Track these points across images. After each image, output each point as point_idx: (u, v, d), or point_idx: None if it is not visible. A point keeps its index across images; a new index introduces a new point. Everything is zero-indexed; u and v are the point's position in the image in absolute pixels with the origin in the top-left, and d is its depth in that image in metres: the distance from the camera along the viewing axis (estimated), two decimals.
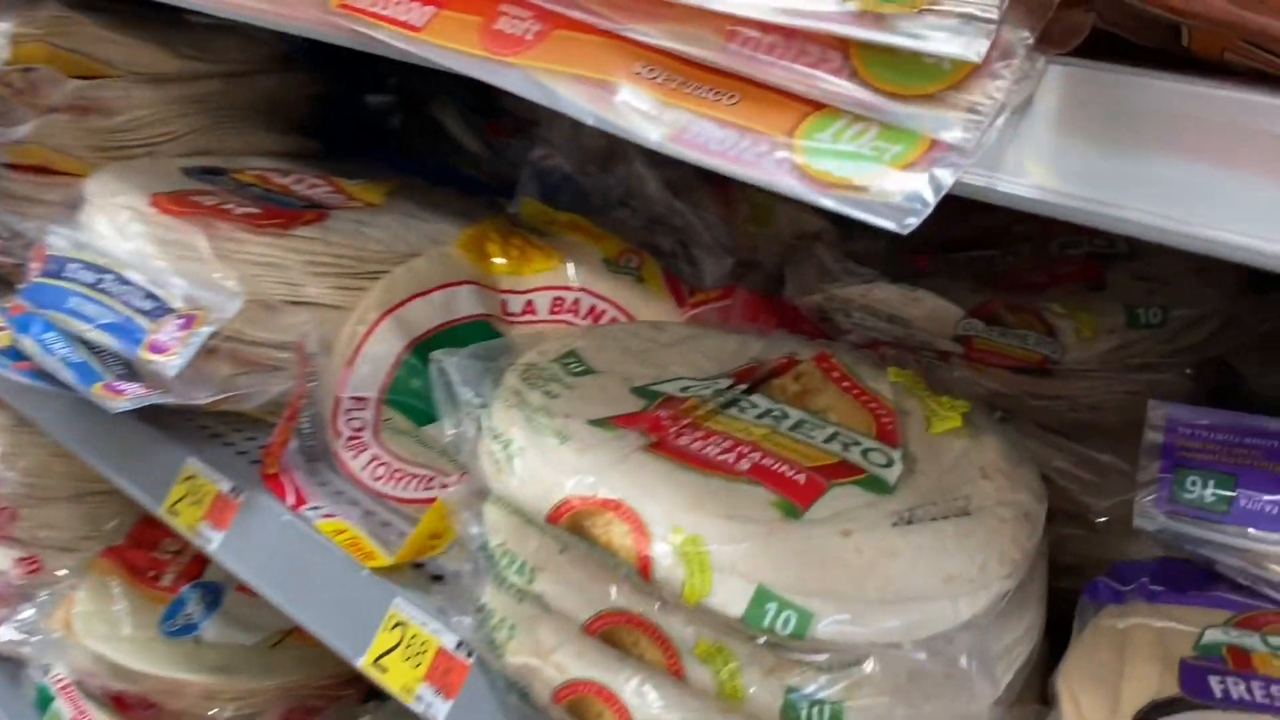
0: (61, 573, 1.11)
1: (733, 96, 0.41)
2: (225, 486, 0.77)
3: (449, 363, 0.61)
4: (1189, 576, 0.57)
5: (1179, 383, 0.69)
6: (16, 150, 0.99)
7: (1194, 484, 0.55)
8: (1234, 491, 0.54)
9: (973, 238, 0.83)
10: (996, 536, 0.51)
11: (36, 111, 0.98)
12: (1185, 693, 0.48)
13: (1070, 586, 0.65)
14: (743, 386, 0.60)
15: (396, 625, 0.65)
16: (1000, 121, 0.36)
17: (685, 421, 0.56)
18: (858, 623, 0.46)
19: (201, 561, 1.04)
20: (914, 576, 0.48)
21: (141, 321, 0.77)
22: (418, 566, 0.69)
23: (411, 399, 0.78)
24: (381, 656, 0.64)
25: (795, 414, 0.58)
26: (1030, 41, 0.36)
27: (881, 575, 0.48)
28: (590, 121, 0.43)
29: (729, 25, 0.41)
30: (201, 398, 0.77)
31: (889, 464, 0.55)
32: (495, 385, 0.60)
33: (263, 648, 0.98)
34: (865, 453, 0.55)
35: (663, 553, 0.48)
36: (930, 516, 0.51)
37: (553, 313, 0.84)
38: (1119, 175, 0.35)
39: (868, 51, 0.38)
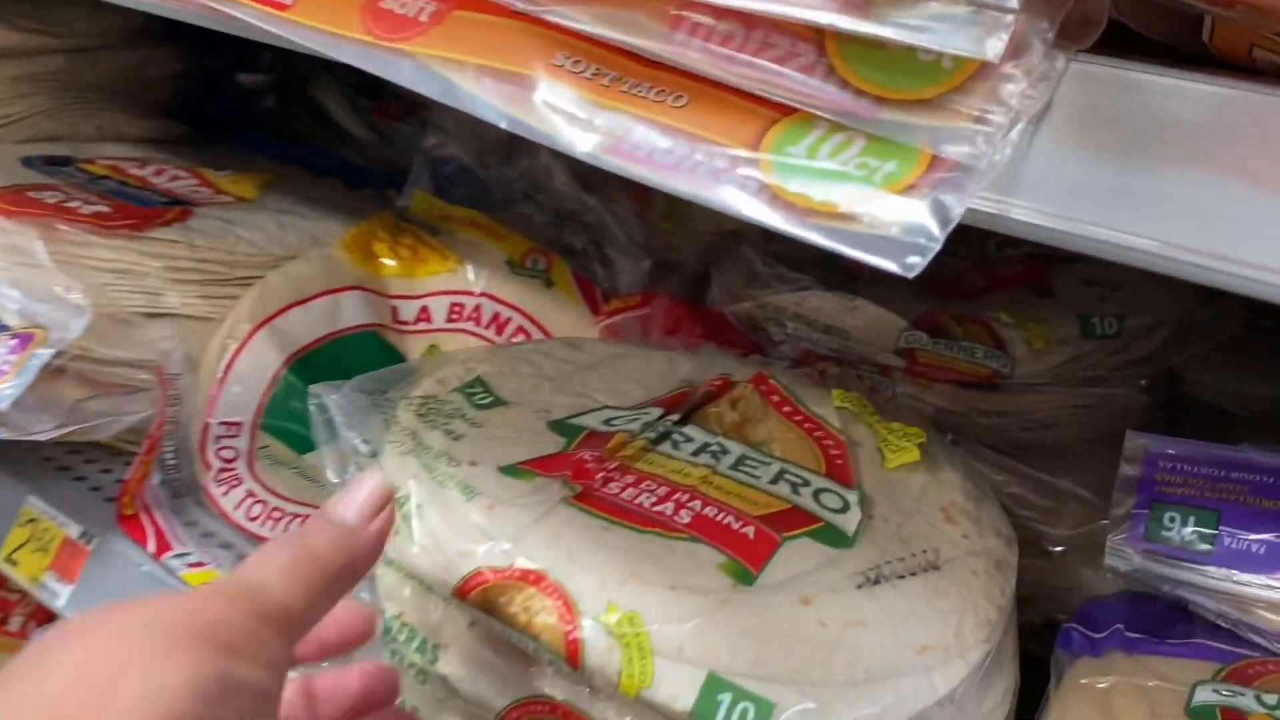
0: None
1: (680, 97, 0.33)
2: (74, 531, 0.67)
3: (329, 398, 0.52)
4: (1163, 618, 0.52)
5: (1133, 396, 0.65)
6: None
7: (1173, 521, 0.50)
8: (1217, 529, 0.49)
9: None
10: (970, 594, 0.45)
11: None
12: None
13: (1026, 619, 0.60)
14: (674, 417, 0.53)
15: None
16: (1015, 134, 0.30)
17: (612, 464, 0.48)
18: (825, 712, 0.40)
19: None
20: (885, 650, 0.42)
21: None
22: None
23: (292, 423, 0.69)
24: None
25: (735, 448, 0.52)
26: (1050, 35, 0.30)
27: (849, 651, 0.41)
28: (504, 125, 0.35)
29: (674, 8, 0.33)
30: (44, 429, 0.67)
31: (845, 508, 0.48)
32: (386, 424, 0.51)
33: None
34: (817, 495, 0.49)
35: (594, 636, 0.41)
36: (897, 574, 0.45)
37: (450, 320, 0.75)
38: (1161, 200, 0.29)
39: (847, 45, 0.31)
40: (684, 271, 0.80)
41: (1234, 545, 0.49)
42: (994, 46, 0.28)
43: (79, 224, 0.71)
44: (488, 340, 0.74)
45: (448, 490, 0.46)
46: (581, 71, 0.34)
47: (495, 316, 0.74)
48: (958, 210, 0.29)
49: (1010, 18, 0.28)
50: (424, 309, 0.76)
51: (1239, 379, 0.72)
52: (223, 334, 0.71)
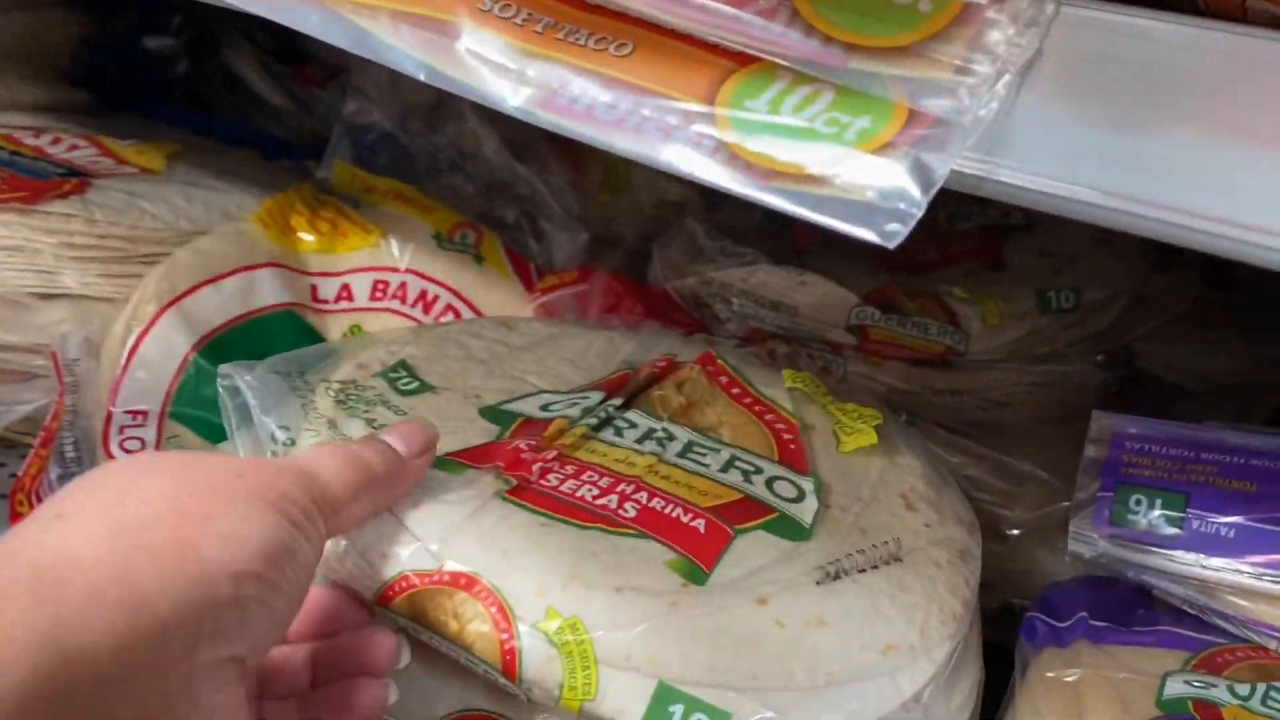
0: None
1: (624, 45, 0.29)
2: None
3: (242, 380, 0.48)
4: (1127, 604, 0.50)
5: (1089, 372, 0.63)
6: None
7: (1139, 504, 0.48)
8: (1185, 513, 0.47)
9: None
10: (934, 587, 0.42)
11: None
12: None
13: (984, 604, 0.57)
14: (616, 401, 0.49)
15: None
16: (1001, 86, 0.26)
17: (550, 454, 0.45)
18: (791, 718, 0.37)
19: None
20: (847, 652, 0.39)
21: None
22: None
23: (203, 410, 0.64)
24: None
25: (682, 434, 0.48)
26: None
27: (809, 654, 0.38)
28: (422, 77, 0.31)
29: None
30: None
31: (800, 497, 0.45)
32: (304, 410, 0.47)
33: None
34: (771, 483, 0.46)
35: (533, 644, 0.37)
36: (858, 568, 0.42)
37: (373, 299, 0.70)
38: (1165, 161, 0.26)
39: None
40: (624, 246, 0.76)
41: (1202, 529, 0.46)
42: None
43: None
44: (414, 320, 0.69)
45: None
46: (511, 17, 0.30)
47: (422, 294, 0.70)
48: (941, 171, 0.25)
49: None
50: (345, 287, 0.71)
51: (1191, 353, 0.71)
52: (126, 316, 0.65)
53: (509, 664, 0.37)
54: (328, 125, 0.85)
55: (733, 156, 0.26)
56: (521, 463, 0.44)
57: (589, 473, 0.44)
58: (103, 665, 0.27)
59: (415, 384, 0.49)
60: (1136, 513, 0.48)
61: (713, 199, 0.77)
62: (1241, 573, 0.46)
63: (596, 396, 0.49)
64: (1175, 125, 0.26)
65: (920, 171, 0.25)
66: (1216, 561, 0.46)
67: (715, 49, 0.28)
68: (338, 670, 0.38)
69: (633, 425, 0.48)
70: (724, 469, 0.46)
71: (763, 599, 0.39)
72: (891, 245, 0.24)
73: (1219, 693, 0.44)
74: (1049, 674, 0.46)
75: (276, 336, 0.68)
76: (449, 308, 0.69)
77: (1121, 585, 0.52)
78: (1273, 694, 0.43)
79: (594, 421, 0.47)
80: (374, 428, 0.45)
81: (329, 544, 0.39)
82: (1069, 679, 0.45)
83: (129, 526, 0.30)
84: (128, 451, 0.62)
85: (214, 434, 0.64)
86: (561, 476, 0.43)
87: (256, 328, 0.68)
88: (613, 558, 0.40)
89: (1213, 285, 0.73)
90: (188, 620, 0.29)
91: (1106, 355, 0.63)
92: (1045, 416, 0.62)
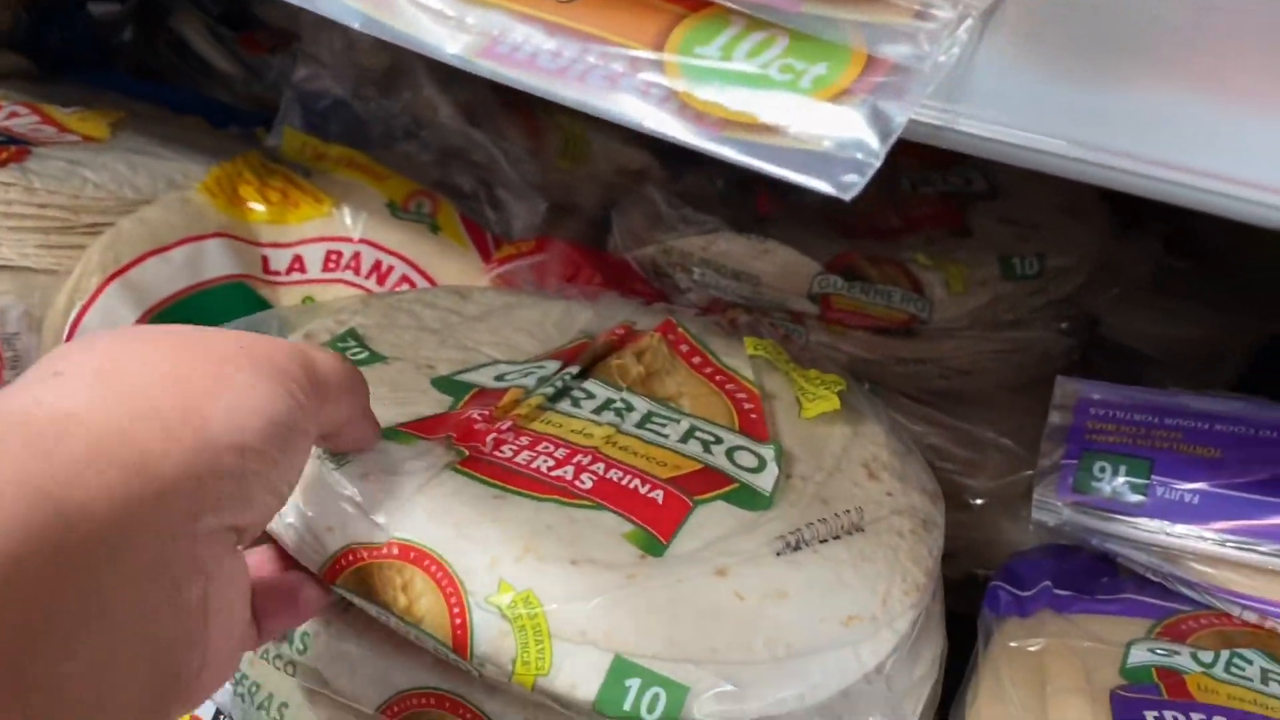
0: None
1: None
2: None
3: None
4: (1091, 572, 0.50)
5: (1053, 339, 0.62)
6: None
7: (1103, 471, 0.47)
8: (1149, 479, 0.46)
9: None
10: (897, 557, 0.41)
11: None
12: None
13: (947, 574, 0.57)
14: (573, 370, 0.48)
15: None
16: (963, 31, 0.25)
17: (504, 424, 0.43)
18: (746, 694, 0.35)
19: None
20: (809, 624, 0.38)
21: None
22: None
23: None
24: None
25: (641, 404, 0.47)
26: None
27: (770, 625, 0.37)
28: (357, 26, 0.29)
29: None
30: None
31: (760, 467, 0.44)
32: None
33: None
34: (731, 453, 0.44)
35: (484, 619, 0.36)
36: (819, 538, 0.41)
37: (326, 270, 0.68)
38: (1136, 108, 0.25)
39: None
40: (584, 215, 0.74)
41: (1167, 495, 0.46)
42: None
43: None
44: (368, 291, 0.67)
45: (314, 458, 0.40)
46: None
47: (376, 265, 0.68)
48: (900, 120, 0.24)
49: None
50: (297, 258, 0.69)
51: (1154, 321, 0.70)
52: (69, 288, 0.63)
53: (460, 639, 0.36)
54: (278, 92, 0.83)
55: (682, 106, 0.25)
56: (474, 433, 0.42)
57: (544, 444, 0.43)
58: (99, 524, 0.26)
59: (365, 354, 0.48)
60: (1101, 479, 0.47)
61: (674, 167, 0.75)
62: (1205, 539, 0.45)
63: (553, 366, 0.48)
64: (1144, 74, 0.25)
65: (878, 120, 0.24)
66: (1180, 528, 0.46)
67: None
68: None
69: (590, 395, 0.47)
70: (683, 439, 0.45)
71: (722, 570, 0.38)
72: (848, 197, 0.23)
73: (1183, 660, 0.43)
74: (1012, 644, 0.45)
75: (226, 309, 0.66)
76: (404, 278, 0.68)
77: (1086, 553, 0.51)
78: (1236, 661, 0.43)
79: (550, 391, 0.46)
80: None
81: (275, 518, 0.37)
82: (1032, 649, 0.45)
83: (132, 388, 0.29)
84: None
85: None
86: (516, 448, 0.42)
87: (205, 300, 0.66)
88: (568, 530, 0.38)
89: (1177, 253, 0.72)
90: (188, 487, 0.28)
91: (1070, 322, 0.62)
92: (1009, 384, 0.61)
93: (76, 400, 0.28)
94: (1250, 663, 0.43)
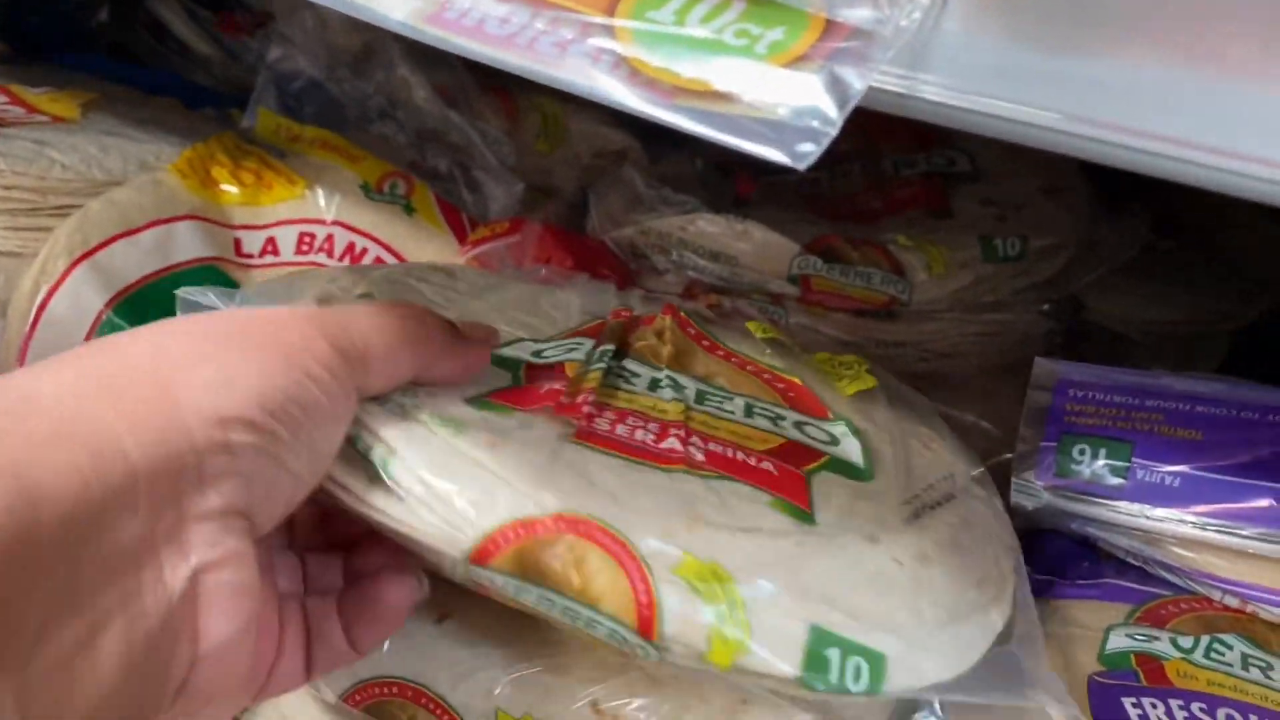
0: None
1: None
2: None
3: (206, 300, 0.42)
4: (1070, 556, 0.49)
5: (1034, 321, 0.61)
6: None
7: (1083, 454, 0.46)
8: (1129, 462, 0.46)
9: None
10: (991, 521, 0.41)
11: None
12: None
13: None
14: (607, 349, 0.44)
15: None
16: None
17: (587, 398, 0.39)
18: (927, 660, 0.34)
19: None
20: (955, 588, 0.36)
21: None
22: None
23: None
24: None
25: (689, 382, 0.44)
26: None
27: (929, 591, 0.35)
28: None
29: None
30: None
31: (834, 441, 0.42)
32: None
33: None
34: (801, 427, 0.43)
35: (673, 596, 0.32)
36: (929, 505, 0.40)
37: (299, 252, 0.67)
38: (1099, 73, 0.24)
39: None
40: (562, 197, 0.73)
41: (1147, 478, 0.45)
42: None
43: None
44: None
45: (423, 425, 0.35)
46: None
47: (350, 247, 0.67)
48: (858, 86, 0.23)
49: None
50: (270, 240, 0.68)
51: (1138, 304, 0.70)
52: (35, 271, 0.62)
53: (646, 619, 0.32)
54: (255, 74, 0.82)
55: (633, 72, 0.24)
56: (567, 406, 0.38)
57: (631, 418, 0.39)
58: (68, 506, 0.25)
59: None
60: (1080, 462, 0.46)
61: (653, 148, 0.74)
62: (1186, 523, 0.44)
63: (587, 343, 0.44)
64: (1111, 41, 0.24)
65: (836, 87, 0.23)
66: (1161, 512, 0.45)
67: None
68: (369, 567, 0.36)
69: (636, 374, 0.43)
70: (748, 415, 0.42)
71: (873, 538, 0.36)
72: (802, 166, 0.22)
73: (1162, 645, 0.43)
74: None
75: None
76: (377, 260, 0.67)
77: (1066, 537, 0.51)
78: (1215, 646, 0.42)
79: (602, 366, 0.42)
80: None
81: (381, 504, 0.34)
82: None
83: (102, 369, 0.28)
84: None
85: None
86: (611, 421, 0.38)
87: (175, 283, 0.64)
88: (716, 499, 0.35)
89: (1161, 235, 0.71)
90: (160, 466, 0.26)
91: (1052, 304, 0.61)
92: (990, 367, 0.61)
93: (42, 384, 0.27)
94: (1230, 648, 0.42)
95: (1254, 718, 0.39)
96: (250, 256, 0.68)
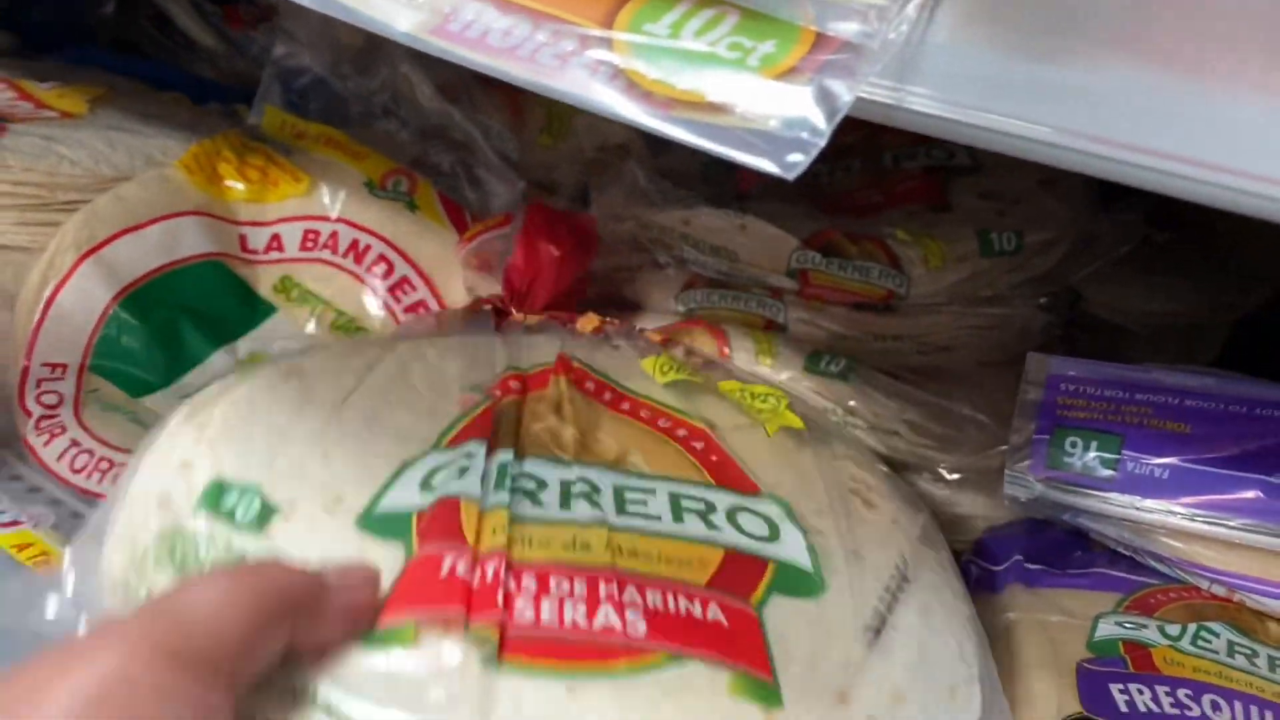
0: None
1: None
2: None
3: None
4: (1062, 547, 0.50)
5: (1032, 314, 0.62)
6: None
7: (1074, 446, 0.47)
8: (1120, 454, 0.46)
9: None
10: (947, 598, 0.39)
11: None
12: (1086, 709, 0.40)
13: None
14: (505, 460, 0.38)
15: None
16: (911, 8, 0.25)
17: (492, 564, 0.34)
18: None
19: None
20: (930, 716, 0.35)
21: None
22: None
23: (124, 363, 0.62)
24: None
25: (603, 478, 0.39)
26: None
27: None
28: (309, 3, 0.29)
29: None
30: None
31: (774, 533, 0.38)
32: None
33: None
34: (734, 518, 0.39)
35: None
36: (888, 609, 0.37)
37: (304, 249, 0.68)
38: (1086, 85, 0.25)
39: None
40: (563, 192, 0.74)
41: (1137, 470, 0.46)
42: None
43: None
44: (346, 271, 0.67)
45: (320, 710, 0.31)
46: None
47: (354, 244, 0.68)
48: (846, 98, 0.24)
49: None
50: (275, 236, 0.69)
51: (1136, 296, 0.70)
52: (43, 265, 0.63)
53: None
54: (261, 68, 0.82)
55: (630, 84, 0.25)
56: (482, 598, 0.33)
57: (554, 577, 0.34)
58: None
59: (252, 518, 0.36)
60: (1072, 455, 0.47)
61: (655, 144, 0.75)
62: (1175, 514, 0.45)
63: (477, 450, 0.38)
64: (1097, 52, 0.25)
65: (825, 99, 0.24)
66: (1150, 503, 0.46)
67: None
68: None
69: (542, 483, 0.38)
70: (676, 517, 0.38)
71: (842, 695, 0.33)
72: (791, 176, 0.23)
73: (1149, 633, 0.44)
74: (981, 619, 0.45)
75: (202, 288, 0.66)
76: (381, 258, 0.68)
77: (1058, 529, 0.51)
78: (1203, 634, 0.43)
79: (505, 497, 0.37)
80: None
81: None
82: (1001, 623, 0.45)
83: None
84: (45, 405, 0.60)
85: (135, 387, 0.62)
86: (530, 599, 0.33)
87: (181, 278, 0.66)
88: (672, 709, 0.32)
89: (1158, 228, 0.72)
90: None
91: (1049, 298, 0.62)
92: (987, 360, 0.61)
93: None
94: (1217, 635, 0.43)
95: (1239, 704, 0.40)
96: (255, 252, 0.69)
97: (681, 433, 0.43)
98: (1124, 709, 0.40)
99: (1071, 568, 0.48)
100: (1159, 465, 0.46)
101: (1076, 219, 0.62)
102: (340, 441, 0.40)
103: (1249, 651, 0.43)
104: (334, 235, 0.68)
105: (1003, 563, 0.49)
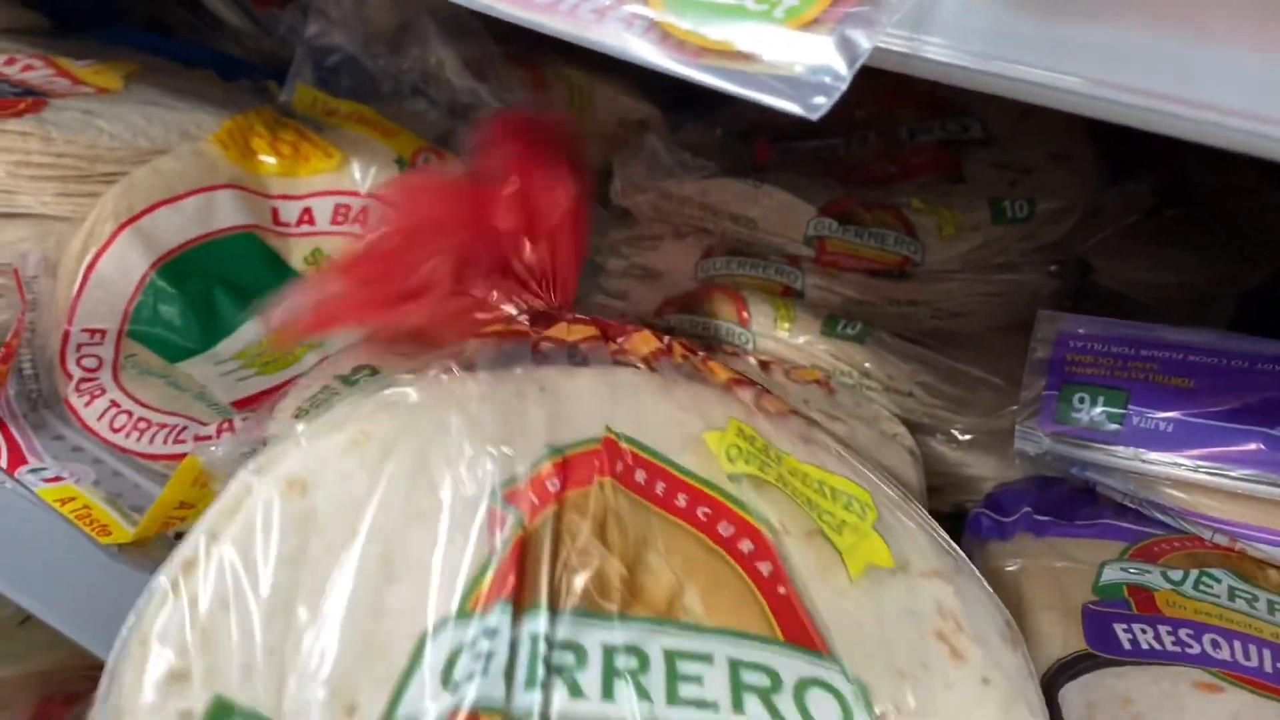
0: None
1: None
2: None
3: None
4: (1071, 500, 0.52)
5: (1043, 282, 0.64)
6: None
7: (1082, 402, 0.49)
8: (1126, 409, 0.48)
9: (813, 124, 0.75)
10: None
11: None
12: (1091, 646, 0.42)
13: (935, 507, 0.59)
14: (539, 624, 0.34)
15: None
16: None
17: None
18: None
19: None
20: None
21: None
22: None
23: (161, 329, 0.64)
24: None
25: (651, 644, 0.34)
26: None
27: None
28: None
29: None
30: None
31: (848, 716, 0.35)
32: None
33: (8, 625, 0.83)
34: (800, 697, 0.34)
35: None
36: None
37: (335, 223, 0.70)
38: (1098, 40, 0.26)
39: None
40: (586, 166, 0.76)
41: (1142, 424, 0.48)
42: None
43: None
44: None
45: None
46: None
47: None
48: (865, 46, 0.26)
49: None
50: (306, 210, 0.71)
51: (1144, 267, 0.72)
52: (83, 234, 0.65)
53: None
54: (287, 47, 0.84)
55: (664, 35, 0.27)
56: None
57: None
58: None
59: None
60: (1080, 410, 0.49)
61: (675, 118, 0.77)
62: (1179, 466, 0.47)
63: (502, 620, 0.33)
64: (1109, 5, 0.27)
65: (846, 47, 0.26)
66: (1155, 455, 0.47)
67: None
68: None
69: (582, 656, 0.33)
70: (736, 704, 0.33)
71: None
72: (815, 117, 0.25)
73: (1153, 578, 0.45)
74: (991, 565, 0.47)
75: (236, 258, 0.68)
76: None
77: (1067, 484, 0.53)
78: (1204, 579, 0.45)
79: (536, 698, 0.32)
80: None
81: None
82: (1010, 569, 0.47)
83: None
84: (85, 369, 0.63)
85: (171, 352, 0.64)
86: None
87: (216, 249, 0.68)
88: None
89: (1168, 200, 0.74)
90: None
91: (1059, 265, 0.64)
92: (999, 325, 0.63)
93: None
94: (1219, 581, 0.45)
95: (1238, 643, 0.41)
96: (287, 225, 0.71)
97: (745, 547, 0.37)
98: (1127, 646, 0.42)
99: (1079, 519, 0.50)
100: (1163, 419, 0.47)
101: (1085, 190, 0.64)
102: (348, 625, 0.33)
103: (1249, 596, 0.44)
104: (364, 211, 0.70)
105: (1013, 514, 0.50)
